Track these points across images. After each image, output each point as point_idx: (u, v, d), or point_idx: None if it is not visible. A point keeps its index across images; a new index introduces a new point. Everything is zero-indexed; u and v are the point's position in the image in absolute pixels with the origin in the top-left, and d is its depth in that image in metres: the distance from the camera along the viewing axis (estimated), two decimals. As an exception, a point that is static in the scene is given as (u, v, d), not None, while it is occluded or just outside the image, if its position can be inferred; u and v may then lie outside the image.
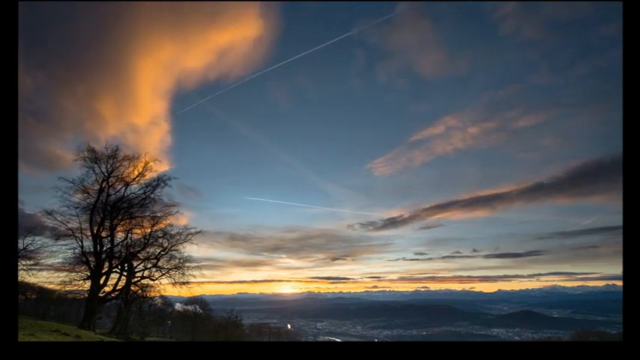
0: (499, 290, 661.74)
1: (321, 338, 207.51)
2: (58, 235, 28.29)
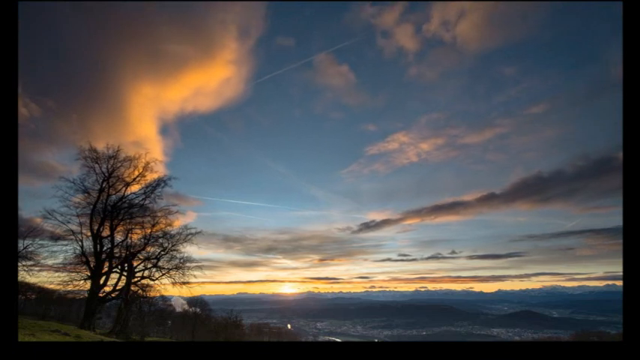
0: (499, 290, 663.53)
1: (321, 338, 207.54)
2: (58, 236, 28.32)
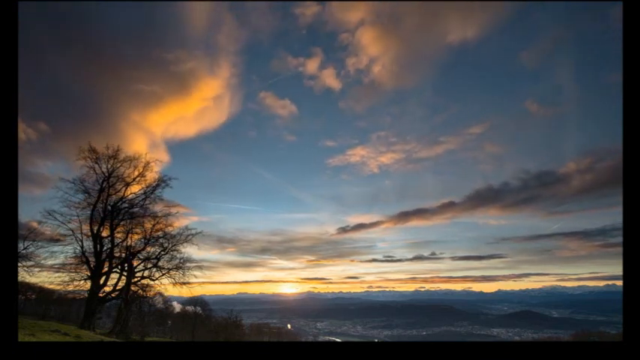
0: (499, 290, 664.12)
1: (321, 338, 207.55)
2: (58, 236, 28.32)
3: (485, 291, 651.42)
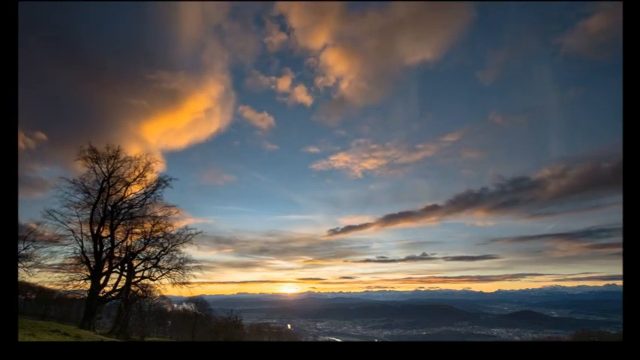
0: (499, 290, 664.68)
1: (321, 338, 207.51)
2: (58, 236, 28.32)
3: (484, 291, 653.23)
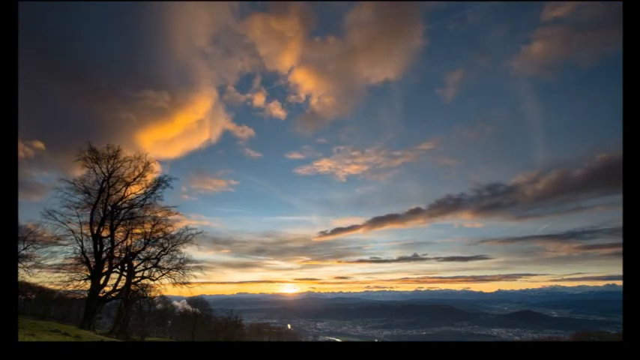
0: (499, 290, 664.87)
1: (321, 338, 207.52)
2: (58, 236, 28.32)
3: (484, 291, 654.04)
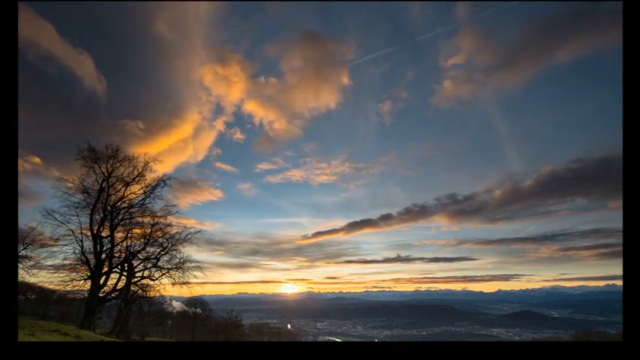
0: (499, 290, 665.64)
1: (321, 338, 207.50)
2: (58, 236, 28.32)
3: (485, 291, 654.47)
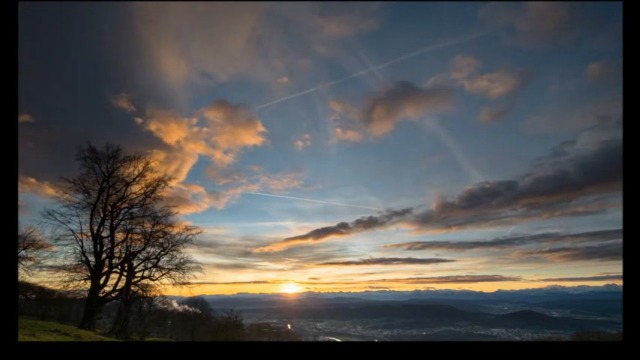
0: (499, 290, 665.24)
1: (321, 338, 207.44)
2: (58, 236, 28.34)
3: (485, 291, 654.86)
